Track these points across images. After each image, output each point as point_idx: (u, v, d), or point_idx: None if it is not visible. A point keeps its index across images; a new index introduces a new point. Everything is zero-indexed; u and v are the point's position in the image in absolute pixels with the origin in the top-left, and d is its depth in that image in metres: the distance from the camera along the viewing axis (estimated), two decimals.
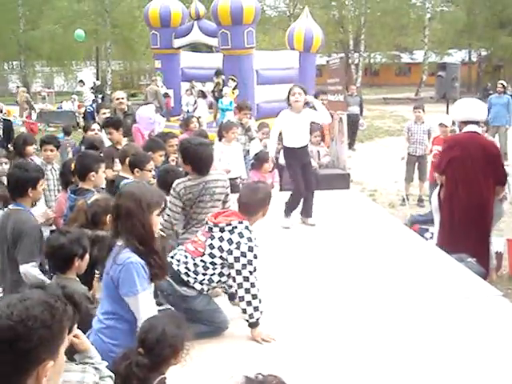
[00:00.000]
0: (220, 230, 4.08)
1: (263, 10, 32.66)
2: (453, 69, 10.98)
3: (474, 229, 6.40)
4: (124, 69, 58.37)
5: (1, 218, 4.56)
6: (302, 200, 7.12)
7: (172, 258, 4.18)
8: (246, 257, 3.99)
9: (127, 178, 5.75)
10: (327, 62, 10.85)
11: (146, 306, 3.26)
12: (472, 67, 49.13)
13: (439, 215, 6.83)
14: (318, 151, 9.12)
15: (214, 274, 4.09)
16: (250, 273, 4.00)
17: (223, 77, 18.16)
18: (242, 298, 4.02)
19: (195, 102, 19.67)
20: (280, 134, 7.20)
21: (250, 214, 4.19)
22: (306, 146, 7.04)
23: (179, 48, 21.35)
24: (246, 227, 4.08)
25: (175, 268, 4.10)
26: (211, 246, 4.07)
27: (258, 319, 4.08)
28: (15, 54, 42.50)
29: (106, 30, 41.26)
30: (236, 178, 8.65)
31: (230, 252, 4.00)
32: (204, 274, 4.07)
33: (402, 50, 54.45)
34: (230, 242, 4.02)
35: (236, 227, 4.05)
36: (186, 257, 4.13)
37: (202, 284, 4.09)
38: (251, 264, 4.00)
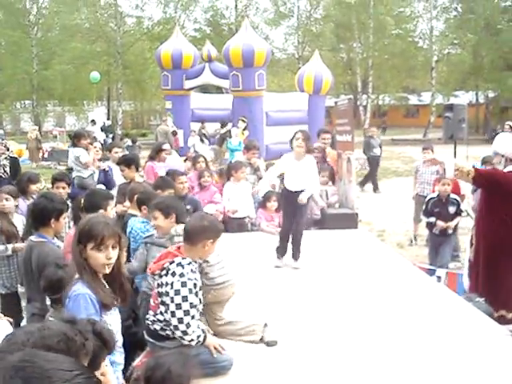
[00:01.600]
0: (159, 276, 4.06)
1: (272, 52, 33.29)
2: (460, 110, 11.07)
3: None
4: (134, 109, 59.19)
5: (25, 250, 4.62)
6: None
7: (146, 319, 4.18)
8: (179, 294, 3.92)
9: (135, 216, 5.89)
10: (335, 103, 11.01)
11: None
12: (479, 108, 49.45)
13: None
14: (326, 190, 9.23)
15: None
16: (185, 313, 3.92)
17: (229, 126, 18.38)
18: (180, 338, 3.95)
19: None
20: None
21: (191, 242, 4.11)
22: (302, 191, 7.05)
23: (190, 89, 21.72)
24: (178, 264, 3.99)
25: (152, 328, 4.10)
26: (159, 295, 4.05)
27: (199, 340, 4.00)
28: (28, 94, 43.20)
29: (117, 71, 41.97)
30: (245, 218, 8.78)
31: (166, 294, 3.95)
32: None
33: (409, 92, 54.98)
34: (166, 284, 3.97)
35: (169, 269, 4.00)
36: (153, 314, 4.12)
37: None
38: (186, 300, 3.92)
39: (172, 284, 3.94)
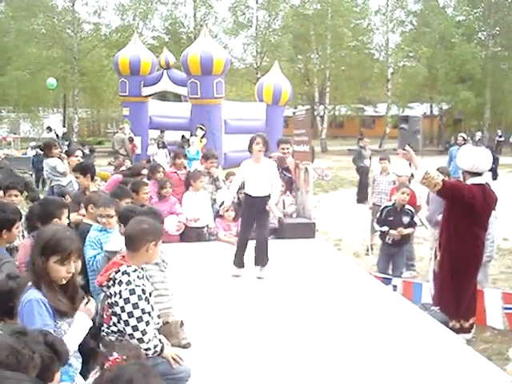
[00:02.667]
0: (107, 287, 4.01)
1: (231, 62, 33.24)
2: (415, 122, 11.13)
3: None
4: (91, 116, 58.43)
5: None
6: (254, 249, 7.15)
7: (102, 330, 4.09)
8: (129, 302, 3.87)
9: (91, 225, 5.80)
10: (293, 113, 11.09)
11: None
12: (434, 120, 50.51)
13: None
14: (284, 200, 9.25)
15: None
16: (138, 319, 3.87)
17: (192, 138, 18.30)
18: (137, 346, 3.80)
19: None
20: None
21: (133, 249, 4.07)
22: (266, 196, 7.05)
23: (148, 96, 21.58)
24: (124, 272, 3.95)
25: (107, 340, 4.01)
26: (109, 306, 3.99)
27: (156, 350, 3.96)
28: None
29: (74, 77, 41.41)
30: (203, 227, 8.73)
31: (116, 304, 3.90)
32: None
33: (365, 103, 55.79)
34: (115, 294, 3.92)
35: (115, 278, 3.95)
36: (107, 327, 4.03)
37: None
38: (137, 307, 3.87)
39: (120, 293, 3.89)
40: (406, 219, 8.53)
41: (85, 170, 7.62)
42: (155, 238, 4.10)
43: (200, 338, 4.92)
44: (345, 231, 13.34)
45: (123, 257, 4.11)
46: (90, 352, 3.88)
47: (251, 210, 7.07)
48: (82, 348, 3.65)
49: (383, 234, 8.67)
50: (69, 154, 9.45)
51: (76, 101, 43.81)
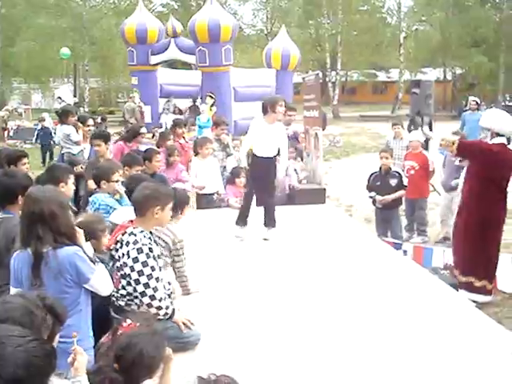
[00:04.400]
0: (115, 251, 4.04)
1: (241, 28, 32.93)
2: (427, 86, 11.15)
3: None
4: (102, 86, 58.25)
5: None
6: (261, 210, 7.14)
7: (112, 296, 4.06)
8: (138, 261, 3.89)
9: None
10: (303, 78, 10.94)
11: (103, 279, 3.48)
12: (447, 85, 49.79)
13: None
14: (295, 168, 9.20)
15: None
16: (149, 277, 3.89)
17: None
18: (149, 305, 3.92)
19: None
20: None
21: (140, 213, 4.11)
22: (274, 157, 7.01)
23: (156, 65, 21.45)
24: (130, 233, 3.98)
25: (117, 305, 4.05)
26: (118, 269, 4.02)
27: (167, 312, 4.02)
28: None
29: (84, 47, 41.19)
30: (213, 194, 8.72)
31: (125, 265, 3.95)
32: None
33: (378, 69, 55.15)
34: (123, 255, 3.95)
35: (122, 240, 3.99)
36: (116, 290, 4.02)
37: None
38: (147, 265, 3.90)
39: (128, 253, 3.92)
40: (393, 181, 8.58)
41: (106, 137, 7.65)
42: (161, 203, 4.11)
43: (209, 303, 4.94)
44: (356, 197, 13.24)
45: (131, 221, 4.13)
46: (104, 320, 3.91)
47: (258, 169, 7.00)
48: (97, 315, 3.68)
49: (373, 200, 8.75)
50: (81, 122, 9.42)
51: (86, 70, 43.65)
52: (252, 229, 7.18)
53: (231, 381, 1.73)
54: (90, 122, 9.13)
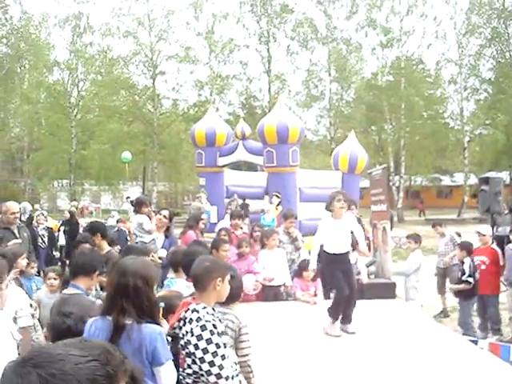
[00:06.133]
0: (179, 329, 3.95)
1: (304, 134, 33.97)
2: (496, 182, 11.05)
3: None
4: (169, 189, 60.05)
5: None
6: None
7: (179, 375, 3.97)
8: (202, 339, 3.75)
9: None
10: (369, 173, 11.08)
11: (173, 372, 3.44)
12: None
13: None
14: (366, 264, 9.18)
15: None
16: (214, 354, 3.74)
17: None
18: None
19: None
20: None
21: (201, 289, 4.03)
22: (348, 252, 7.01)
23: (223, 166, 22.03)
24: (193, 310, 3.88)
25: (184, 383, 3.95)
26: (183, 347, 3.91)
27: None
28: (66, 173, 44.33)
29: (153, 150, 42.88)
30: (280, 286, 8.70)
31: (189, 343, 3.80)
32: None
33: (442, 173, 54.95)
34: (186, 333, 3.84)
35: (185, 317, 3.89)
36: (183, 370, 3.94)
37: None
38: (211, 342, 3.75)
39: (192, 331, 3.81)
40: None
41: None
42: (221, 274, 4.06)
43: None
44: (425, 296, 12.96)
45: (194, 298, 4.10)
46: None
47: (335, 266, 6.98)
48: None
49: None
50: (156, 212, 9.67)
51: (155, 173, 45.23)
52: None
53: None
54: (165, 212, 9.21)
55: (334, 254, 6.94)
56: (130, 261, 3.64)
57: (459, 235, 11.63)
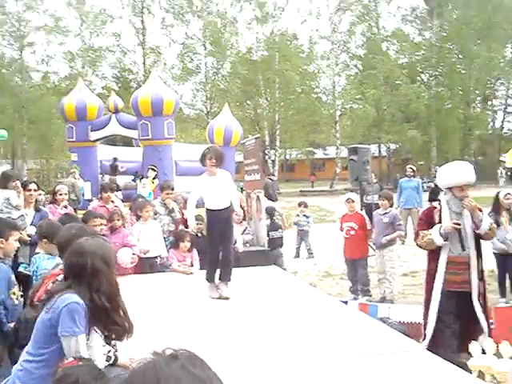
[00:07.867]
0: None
1: (180, 108, 33.52)
2: (364, 152, 11.48)
3: None
4: (40, 167, 57.66)
5: None
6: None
7: None
8: None
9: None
10: (243, 143, 11.14)
11: (83, 347, 3.19)
12: (382, 160, 51.46)
13: None
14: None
15: None
16: None
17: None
18: None
19: None
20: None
21: None
22: (228, 208, 6.97)
23: (96, 141, 21.38)
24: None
25: None
26: None
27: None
28: None
29: (22, 126, 40.95)
30: (155, 257, 8.59)
31: None
32: None
33: (315, 146, 56.65)
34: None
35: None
36: None
37: None
38: None
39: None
40: None
41: None
42: None
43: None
44: (300, 264, 13.43)
45: (61, 269, 3.90)
46: None
47: (215, 223, 6.95)
48: None
49: None
50: (23, 187, 9.18)
51: (25, 150, 43.24)
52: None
53: (192, 354, 1.54)
54: (33, 186, 8.77)
55: (214, 210, 6.88)
56: (88, 241, 3.46)
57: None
